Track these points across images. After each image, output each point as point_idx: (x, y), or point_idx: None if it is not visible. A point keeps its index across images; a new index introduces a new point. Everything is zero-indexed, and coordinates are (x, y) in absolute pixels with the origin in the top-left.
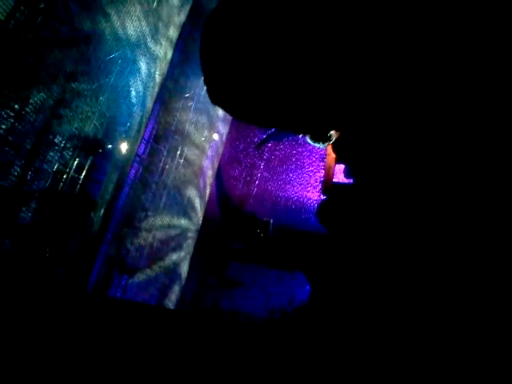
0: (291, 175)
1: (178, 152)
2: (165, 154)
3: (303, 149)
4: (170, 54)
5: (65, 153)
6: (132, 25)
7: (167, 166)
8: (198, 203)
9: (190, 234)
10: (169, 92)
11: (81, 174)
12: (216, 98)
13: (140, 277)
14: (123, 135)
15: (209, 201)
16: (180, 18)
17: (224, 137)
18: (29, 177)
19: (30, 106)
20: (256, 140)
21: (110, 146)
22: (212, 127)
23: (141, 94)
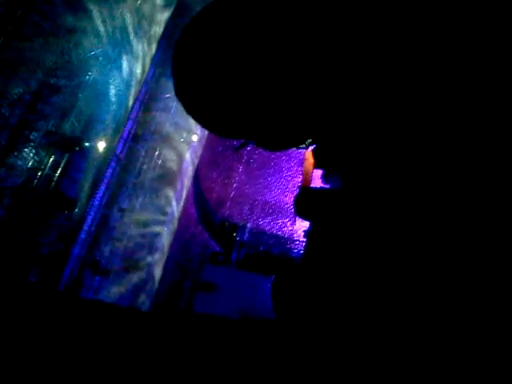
0: (269, 179)
1: (157, 152)
2: (143, 153)
3: (282, 153)
4: (152, 53)
5: (40, 149)
6: (115, 22)
7: (145, 166)
8: (174, 205)
9: (165, 236)
10: (150, 92)
11: (56, 172)
12: (191, 113)
13: (113, 278)
14: (101, 133)
15: (186, 202)
16: (164, 16)
17: (204, 139)
18: (2, 173)
19: (7, 101)
20: (235, 143)
21: (87, 144)
22: (192, 129)
23: (121, 92)
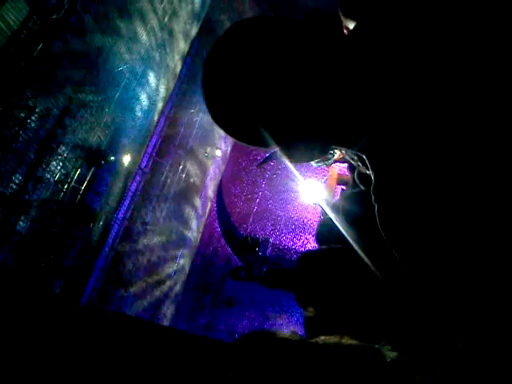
0: (292, 195)
1: (181, 167)
2: (167, 168)
3: (305, 169)
4: (178, 69)
5: (67, 163)
6: (142, 39)
7: (169, 180)
8: (197, 219)
9: (187, 250)
10: (174, 107)
11: (82, 185)
12: (219, 121)
13: (135, 291)
14: (127, 148)
15: (209, 217)
16: (190, 34)
17: (227, 154)
18: (30, 185)
19: (36, 115)
20: (259, 158)
21: (112, 158)
22: (215, 144)
23: (146, 107)
